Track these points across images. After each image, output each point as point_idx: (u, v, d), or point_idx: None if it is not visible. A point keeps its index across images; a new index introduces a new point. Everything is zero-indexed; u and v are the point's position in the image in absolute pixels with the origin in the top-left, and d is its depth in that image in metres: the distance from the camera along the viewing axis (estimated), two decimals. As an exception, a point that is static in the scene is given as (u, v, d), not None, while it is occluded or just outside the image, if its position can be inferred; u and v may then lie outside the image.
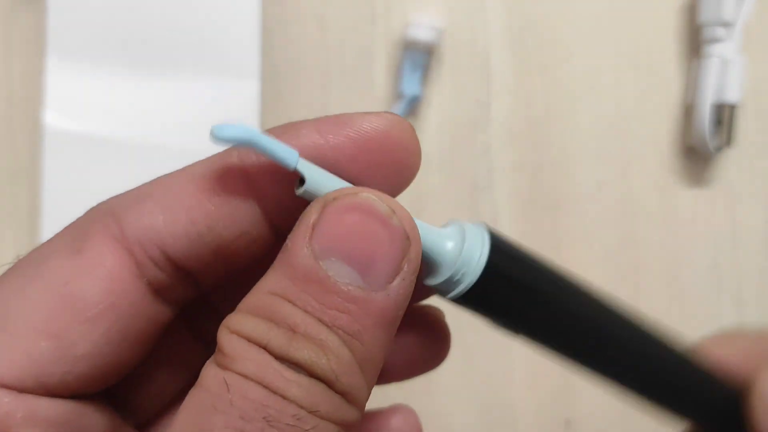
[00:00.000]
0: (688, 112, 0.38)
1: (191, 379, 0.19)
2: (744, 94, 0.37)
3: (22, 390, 0.15)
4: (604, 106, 0.38)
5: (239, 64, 0.36)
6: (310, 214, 0.14)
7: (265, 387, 0.13)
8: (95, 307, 0.15)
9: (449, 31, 0.37)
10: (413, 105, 0.36)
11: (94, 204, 0.16)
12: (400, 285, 0.14)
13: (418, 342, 0.20)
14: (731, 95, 0.36)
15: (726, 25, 0.36)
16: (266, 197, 0.16)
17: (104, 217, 0.16)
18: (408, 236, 0.15)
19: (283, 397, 0.13)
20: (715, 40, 0.37)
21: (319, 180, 0.15)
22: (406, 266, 0.14)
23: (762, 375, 0.21)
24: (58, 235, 0.16)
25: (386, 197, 0.15)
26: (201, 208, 0.15)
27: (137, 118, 0.36)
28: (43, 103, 0.35)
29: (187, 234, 0.15)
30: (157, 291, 0.16)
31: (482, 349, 0.37)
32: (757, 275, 0.38)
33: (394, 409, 0.21)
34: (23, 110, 0.36)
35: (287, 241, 0.14)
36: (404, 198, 0.39)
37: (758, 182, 0.38)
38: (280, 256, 0.15)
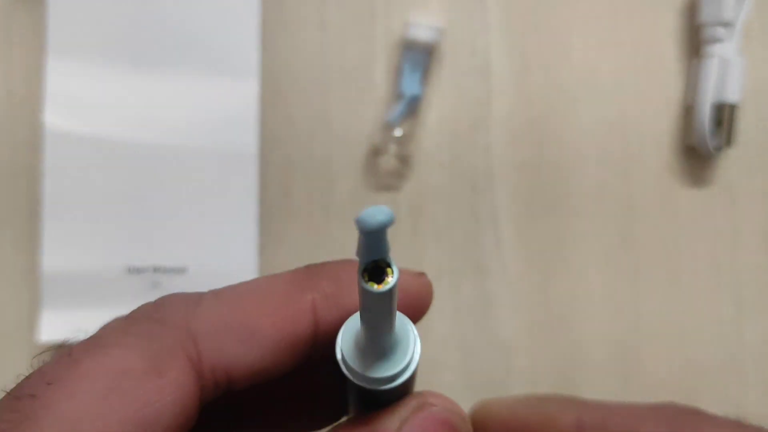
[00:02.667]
0: (688, 112, 0.38)
1: None
2: (744, 94, 0.37)
3: None
4: (604, 105, 0.38)
5: (239, 64, 0.36)
6: (405, 410, 0.17)
7: None
8: (168, 430, 0.16)
9: (449, 31, 0.37)
10: (413, 105, 0.36)
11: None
12: None
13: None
14: (731, 95, 0.36)
15: (726, 25, 0.36)
16: (326, 333, 0.18)
17: (184, 340, 0.16)
18: None
19: None
20: (715, 40, 0.37)
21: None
22: None
23: None
24: (129, 347, 0.16)
25: (465, 414, 0.18)
26: (273, 347, 0.17)
27: (137, 118, 0.36)
28: (43, 103, 0.35)
29: (254, 367, 0.17)
30: (202, 403, 0.17)
31: (482, 350, 0.37)
32: (757, 275, 0.38)
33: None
34: (23, 110, 0.36)
35: (379, 421, 0.17)
36: (405, 198, 0.39)
37: (758, 182, 0.38)
38: (367, 428, 0.17)
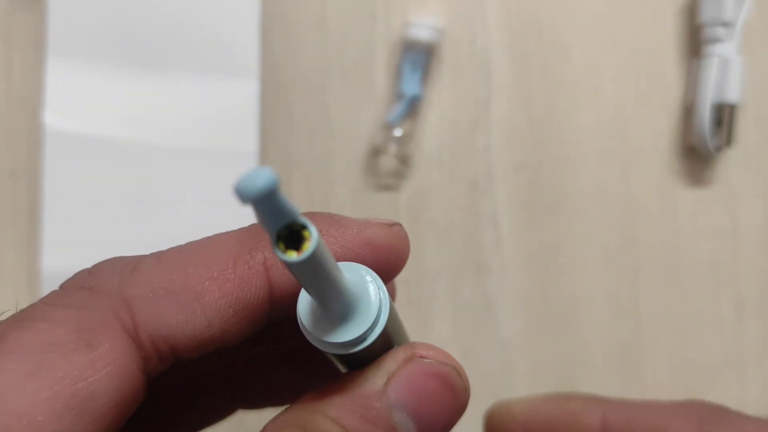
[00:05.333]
0: (688, 112, 0.38)
1: None
2: (744, 94, 0.37)
3: None
4: (604, 106, 0.38)
5: (239, 64, 0.36)
6: (391, 363, 0.15)
7: None
8: (103, 407, 0.14)
9: (449, 31, 0.37)
10: (413, 105, 0.36)
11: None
12: None
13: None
14: (731, 95, 0.36)
15: (726, 25, 0.36)
16: (283, 294, 0.16)
17: (118, 308, 0.15)
18: (465, 407, 0.16)
19: None
20: (715, 40, 0.37)
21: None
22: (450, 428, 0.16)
23: None
24: (58, 320, 0.15)
25: (461, 368, 0.16)
26: (220, 313, 0.15)
27: (137, 118, 0.36)
28: (43, 103, 0.35)
29: (200, 335, 0.15)
30: (148, 377, 0.16)
31: (482, 349, 0.37)
32: (757, 275, 0.38)
33: None
34: (23, 110, 0.36)
35: (362, 377, 0.15)
36: (405, 198, 0.39)
37: (758, 182, 0.38)
38: (349, 386, 0.15)
